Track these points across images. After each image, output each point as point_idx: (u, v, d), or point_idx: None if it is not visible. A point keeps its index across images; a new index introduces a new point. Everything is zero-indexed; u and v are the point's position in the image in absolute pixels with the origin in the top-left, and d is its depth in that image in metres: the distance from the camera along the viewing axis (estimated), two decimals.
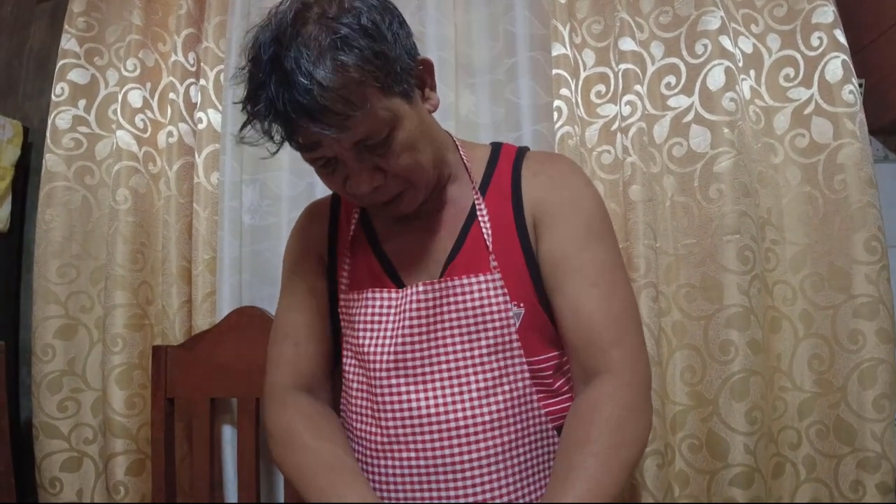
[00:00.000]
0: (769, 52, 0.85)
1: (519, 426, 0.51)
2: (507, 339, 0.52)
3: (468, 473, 0.50)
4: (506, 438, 0.51)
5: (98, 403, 0.90)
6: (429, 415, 0.51)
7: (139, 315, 0.89)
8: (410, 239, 0.57)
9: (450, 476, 0.50)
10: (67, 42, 0.93)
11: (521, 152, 0.59)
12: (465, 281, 0.53)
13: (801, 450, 0.81)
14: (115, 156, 0.90)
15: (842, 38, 0.82)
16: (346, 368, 0.57)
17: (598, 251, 0.53)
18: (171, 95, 0.91)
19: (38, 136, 1.03)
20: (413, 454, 0.51)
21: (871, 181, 0.79)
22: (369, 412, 0.54)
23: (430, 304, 0.53)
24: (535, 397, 0.53)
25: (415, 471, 0.51)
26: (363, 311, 0.55)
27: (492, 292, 0.52)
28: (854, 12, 0.89)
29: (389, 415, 0.52)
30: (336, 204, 0.63)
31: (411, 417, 0.51)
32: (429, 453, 0.51)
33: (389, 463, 0.52)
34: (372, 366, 0.53)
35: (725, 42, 0.81)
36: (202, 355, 0.82)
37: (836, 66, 0.81)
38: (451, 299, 0.53)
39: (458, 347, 0.52)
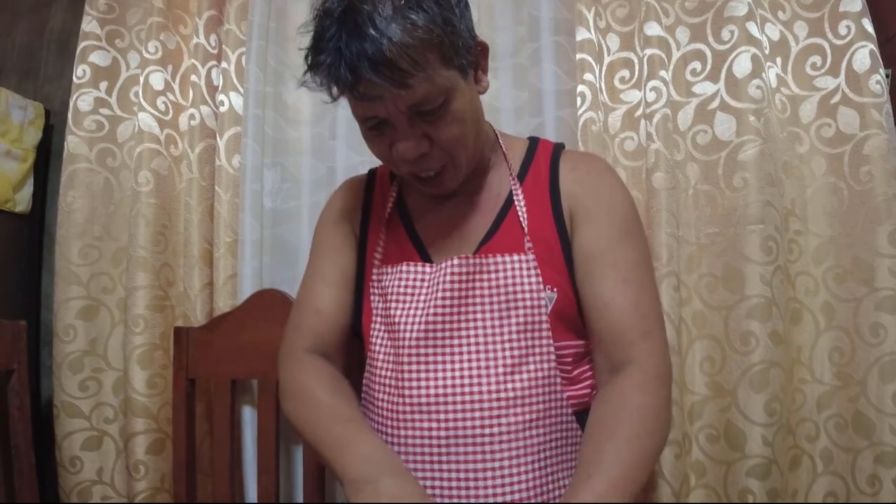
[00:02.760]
0: (796, 39, 0.84)
1: (541, 405, 0.52)
2: (536, 319, 0.53)
3: (487, 448, 0.50)
4: (527, 416, 0.51)
5: (119, 383, 0.91)
6: (453, 385, 0.52)
7: (161, 297, 0.90)
8: (444, 219, 0.59)
9: (469, 449, 0.50)
10: (89, 24, 0.93)
11: (559, 147, 0.61)
12: (500, 259, 0.54)
13: (818, 442, 0.81)
14: (136, 138, 0.91)
15: (869, 28, 0.80)
16: (374, 340, 0.57)
17: (631, 249, 0.55)
18: (193, 78, 0.91)
19: (59, 118, 1.04)
20: (435, 424, 0.51)
21: None
22: (393, 382, 0.54)
23: (464, 278, 0.54)
24: (558, 379, 0.53)
25: (434, 441, 0.51)
26: (396, 283, 0.56)
27: (525, 272, 0.54)
28: (881, 1, 0.88)
29: (414, 384, 0.53)
30: (371, 182, 0.64)
31: (436, 388, 0.52)
32: (450, 424, 0.51)
33: (410, 433, 0.52)
34: (401, 335, 0.54)
35: (752, 28, 0.80)
36: (223, 337, 0.83)
37: (864, 55, 0.79)
38: (485, 276, 0.54)
39: (488, 323, 0.53)
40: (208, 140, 0.91)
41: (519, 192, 0.57)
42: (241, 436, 0.86)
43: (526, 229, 0.55)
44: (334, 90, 0.48)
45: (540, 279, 0.54)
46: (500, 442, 0.51)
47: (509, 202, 0.57)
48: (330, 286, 0.60)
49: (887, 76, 0.87)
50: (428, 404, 0.52)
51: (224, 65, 0.89)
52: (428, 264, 0.56)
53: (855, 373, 0.78)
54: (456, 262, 0.54)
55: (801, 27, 0.84)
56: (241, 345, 0.82)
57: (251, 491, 0.85)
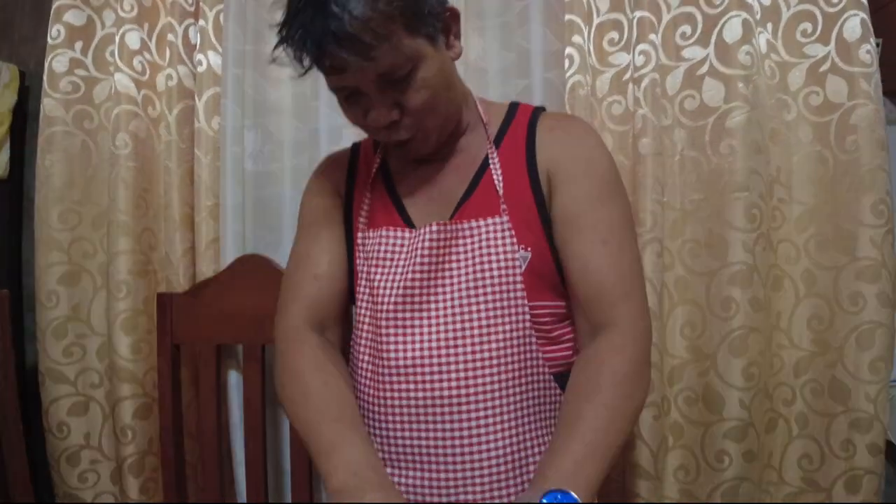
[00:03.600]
0: (787, 5, 0.82)
1: (516, 365, 0.53)
2: (510, 279, 0.54)
3: (464, 408, 0.51)
4: (502, 376, 0.52)
5: (104, 349, 0.91)
6: (430, 348, 0.53)
7: (143, 261, 0.89)
8: (423, 182, 0.59)
9: (447, 409, 0.52)
10: None
11: (538, 110, 0.61)
12: (475, 224, 0.55)
13: (794, 406, 0.83)
14: (113, 99, 0.88)
15: None
16: (359, 304, 0.58)
17: (610, 210, 0.55)
18: (170, 37, 0.88)
19: (35, 80, 1.01)
20: (413, 386, 0.52)
21: (882, 144, 0.78)
22: (374, 345, 0.55)
23: (441, 243, 0.55)
24: (533, 339, 0.54)
25: (413, 402, 0.52)
26: (378, 247, 0.57)
27: (499, 234, 0.54)
28: None
29: (392, 347, 0.54)
30: (355, 152, 0.65)
31: (413, 351, 0.53)
32: (427, 386, 0.52)
33: (389, 395, 0.53)
34: (380, 299, 0.55)
35: None
36: (207, 302, 0.83)
37: (855, 24, 0.78)
38: (461, 241, 0.55)
39: (464, 286, 0.54)
40: (186, 101, 0.89)
41: (495, 155, 0.58)
42: (227, 400, 0.87)
43: (500, 191, 0.56)
44: (305, 62, 0.50)
45: (514, 240, 0.54)
46: (477, 402, 0.52)
47: (485, 165, 0.58)
48: (327, 252, 0.60)
49: (878, 45, 0.86)
50: (405, 367, 0.53)
51: (202, 23, 0.86)
52: (407, 229, 0.57)
53: (833, 340, 0.80)
54: (434, 228, 0.54)
55: None
56: (225, 310, 0.82)
57: (238, 454, 0.86)
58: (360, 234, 0.59)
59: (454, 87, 0.56)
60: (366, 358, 0.56)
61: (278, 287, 0.80)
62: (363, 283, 0.58)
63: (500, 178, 0.56)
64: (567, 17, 0.80)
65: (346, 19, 0.45)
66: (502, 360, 0.52)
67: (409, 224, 0.57)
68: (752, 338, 0.78)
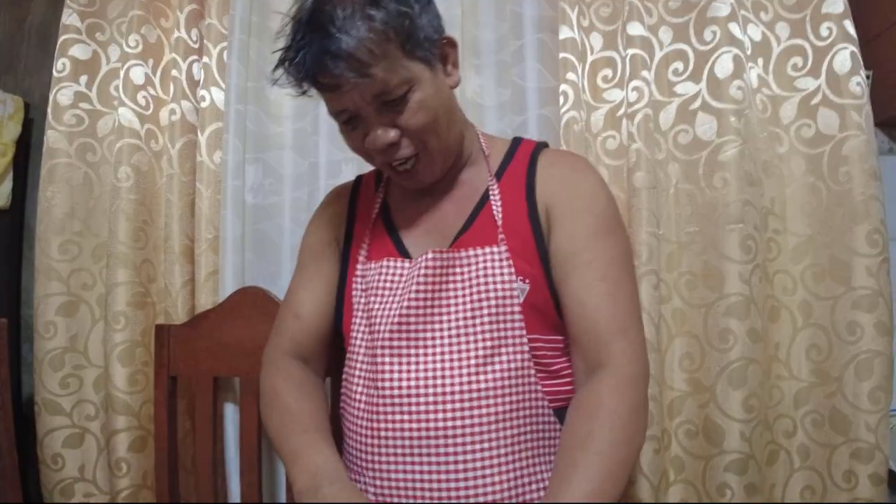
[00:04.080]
0: (778, 40, 0.84)
1: (514, 398, 0.52)
2: (508, 309, 0.53)
3: (459, 441, 0.50)
4: (499, 409, 0.51)
5: (100, 380, 0.90)
6: (425, 379, 0.52)
7: (141, 293, 0.89)
8: (422, 215, 0.60)
9: (440, 443, 0.51)
10: (69, 17, 0.92)
11: (540, 146, 0.62)
12: (472, 252, 0.55)
13: (795, 438, 0.82)
14: (116, 133, 0.90)
15: (851, 30, 0.81)
16: (354, 334, 0.58)
17: (608, 247, 0.54)
18: (174, 72, 0.90)
19: (39, 112, 1.02)
20: (407, 418, 0.52)
21: (875, 174, 0.79)
22: (370, 375, 0.55)
23: (439, 271, 0.55)
24: (533, 371, 0.53)
25: (406, 435, 0.51)
26: (377, 277, 0.58)
27: (497, 264, 0.54)
28: (863, 3, 0.88)
29: (387, 376, 0.53)
30: (357, 186, 0.67)
31: (408, 381, 0.52)
32: (422, 417, 0.51)
33: (383, 426, 0.52)
34: (377, 328, 0.55)
35: (734, 29, 0.80)
36: (205, 334, 0.83)
37: (845, 57, 0.80)
38: (458, 269, 0.55)
39: (461, 315, 0.54)
40: (189, 135, 0.90)
41: (495, 187, 0.58)
42: (223, 433, 0.86)
43: (499, 223, 0.56)
44: (304, 85, 0.51)
45: (512, 270, 0.54)
46: (472, 435, 0.50)
47: (486, 198, 0.58)
48: (311, 292, 0.62)
49: (868, 77, 0.88)
50: (401, 397, 0.52)
51: (205, 59, 0.88)
52: (407, 259, 0.57)
53: (832, 370, 0.80)
54: (431, 255, 0.54)
55: (783, 28, 0.84)
56: (222, 342, 0.82)
57: (234, 488, 0.85)
58: (359, 267, 0.59)
59: (454, 114, 0.57)
60: (360, 388, 0.56)
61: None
62: (360, 314, 0.58)
63: (500, 210, 0.56)
64: (561, 55, 0.82)
65: (343, 39, 0.47)
66: (500, 393, 0.51)
67: (406, 255, 0.58)
68: (751, 369, 0.78)
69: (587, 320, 0.52)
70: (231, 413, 0.86)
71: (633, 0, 0.82)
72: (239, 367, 0.82)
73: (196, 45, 0.91)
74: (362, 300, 0.58)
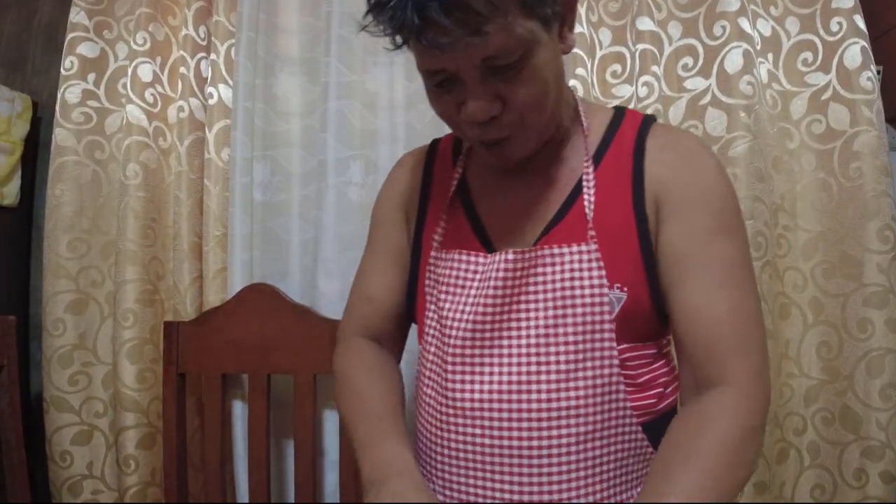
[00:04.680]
0: (788, 35, 0.84)
1: (598, 416, 0.46)
2: (597, 319, 0.47)
3: (535, 461, 0.46)
4: (582, 429, 0.46)
5: (109, 378, 0.91)
6: (500, 392, 0.47)
7: (150, 290, 0.90)
8: (508, 201, 0.52)
9: (515, 461, 0.46)
10: (76, 15, 0.92)
11: (648, 121, 0.52)
12: (557, 251, 0.48)
13: (805, 436, 0.82)
14: (124, 130, 0.90)
15: (861, 24, 0.80)
16: (427, 331, 0.53)
17: (728, 247, 0.47)
18: (182, 70, 0.90)
19: (47, 110, 1.02)
20: (479, 431, 0.47)
21: (886, 170, 0.79)
22: (439, 380, 0.50)
23: (518, 273, 0.48)
24: (622, 387, 0.47)
25: (478, 449, 0.47)
26: (448, 272, 0.51)
27: (585, 265, 0.47)
28: None
29: (458, 386, 0.48)
30: (432, 156, 0.59)
31: (481, 392, 0.47)
32: (495, 433, 0.46)
33: (453, 437, 0.48)
34: (448, 332, 0.50)
35: (744, 24, 0.80)
36: (213, 331, 0.83)
37: (855, 52, 0.80)
38: (540, 269, 0.48)
39: (542, 322, 0.47)
40: (197, 133, 0.90)
41: (591, 174, 0.49)
42: (231, 430, 0.86)
43: (590, 218, 0.48)
44: (398, 37, 0.42)
45: (603, 273, 0.47)
46: (550, 456, 0.46)
47: (581, 186, 0.50)
48: (382, 273, 0.57)
49: (878, 73, 0.87)
50: (472, 409, 0.47)
51: (213, 56, 0.88)
52: (480, 254, 0.50)
53: (842, 367, 0.79)
54: (511, 256, 0.48)
55: (793, 23, 0.84)
56: (231, 339, 0.82)
57: (242, 486, 0.85)
58: (432, 254, 0.53)
59: (562, 85, 0.49)
60: (430, 392, 0.51)
61: (285, 317, 0.81)
62: (431, 308, 0.52)
63: (592, 202, 0.48)
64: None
65: None
66: (581, 412, 0.46)
67: (488, 246, 0.51)
68: None
69: (704, 334, 0.45)
70: (240, 410, 0.86)
71: None
72: (247, 364, 0.82)
73: (204, 43, 0.91)
74: (433, 293, 0.52)
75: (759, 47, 0.82)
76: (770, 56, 0.84)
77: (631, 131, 0.51)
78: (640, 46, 0.81)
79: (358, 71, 0.87)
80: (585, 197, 0.49)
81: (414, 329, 0.59)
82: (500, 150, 0.47)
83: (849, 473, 0.79)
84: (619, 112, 0.54)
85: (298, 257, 0.89)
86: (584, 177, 0.50)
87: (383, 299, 0.57)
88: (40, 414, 0.91)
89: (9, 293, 1.01)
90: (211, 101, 0.88)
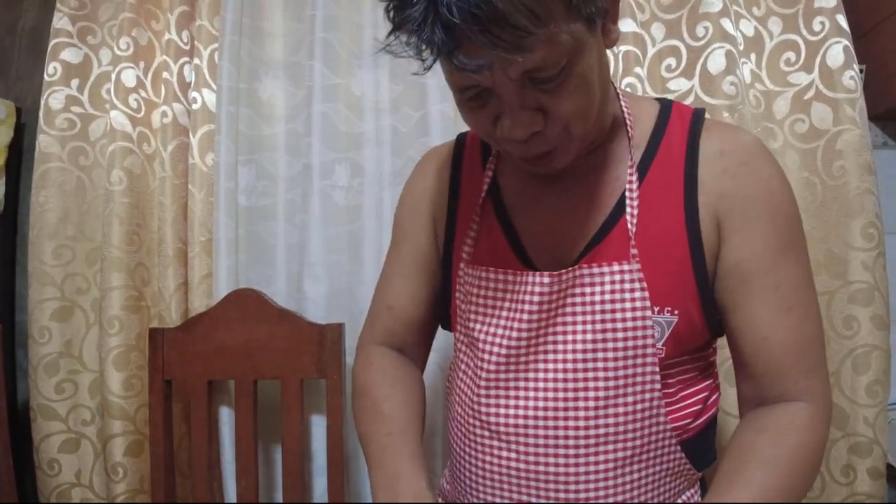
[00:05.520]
0: (770, 35, 0.84)
1: (639, 441, 0.45)
2: (639, 342, 0.44)
3: (572, 487, 0.44)
4: (620, 454, 0.44)
5: (95, 385, 0.90)
6: (535, 417, 0.45)
7: (135, 297, 0.89)
8: (547, 215, 0.48)
9: (551, 486, 0.45)
10: (60, 20, 0.91)
11: (699, 117, 0.47)
12: (597, 270, 0.44)
13: None
14: (108, 136, 0.89)
15: (844, 24, 0.81)
16: (458, 346, 0.52)
17: (796, 266, 0.45)
18: (165, 75, 0.89)
19: (31, 116, 1.02)
20: (514, 455, 0.46)
21: (869, 168, 0.79)
22: (471, 400, 0.48)
23: (555, 294, 0.45)
24: (662, 410, 0.45)
25: (513, 472, 0.46)
26: (477, 290, 0.48)
27: (627, 285, 0.44)
28: None
29: (493, 410, 0.46)
30: (459, 153, 0.54)
31: (516, 416, 0.45)
32: (531, 458, 0.45)
33: (487, 458, 0.47)
34: (480, 355, 0.47)
35: (727, 25, 0.80)
36: (199, 337, 0.82)
37: (838, 51, 0.80)
38: (579, 290, 0.45)
39: (580, 347, 0.45)
40: (181, 138, 0.90)
41: (634, 187, 0.45)
42: (219, 437, 0.86)
43: (632, 234, 0.44)
44: (427, 57, 0.37)
45: (646, 294, 0.44)
46: (587, 482, 0.44)
47: (625, 197, 0.46)
48: (405, 280, 0.55)
49: (861, 71, 0.88)
50: (507, 433, 0.46)
51: (196, 61, 0.88)
52: (511, 272, 0.47)
53: (829, 364, 0.79)
54: (547, 280, 0.45)
55: (776, 23, 0.84)
56: (217, 345, 0.82)
57: (230, 492, 0.85)
58: (462, 267, 0.50)
59: (608, 87, 0.45)
60: (460, 410, 0.49)
61: (271, 322, 0.81)
62: (461, 328, 0.50)
63: (635, 217, 0.44)
64: None
65: None
66: (621, 437, 0.44)
67: (526, 262, 0.48)
68: None
69: (772, 358, 0.44)
70: (227, 416, 0.86)
71: None
72: (233, 371, 0.82)
73: (187, 47, 0.91)
74: (463, 308, 0.49)
75: (741, 48, 0.82)
76: (753, 56, 0.84)
77: (681, 131, 0.46)
78: (624, 48, 0.81)
79: (342, 74, 0.87)
80: (628, 212, 0.45)
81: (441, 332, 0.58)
82: (543, 163, 0.44)
83: (837, 470, 0.79)
84: (666, 106, 0.49)
85: (284, 261, 0.89)
86: (628, 189, 0.45)
87: (404, 308, 0.55)
88: (28, 422, 0.90)
89: None
90: (195, 106, 0.88)
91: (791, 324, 0.44)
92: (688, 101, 0.82)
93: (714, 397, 0.51)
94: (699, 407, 0.48)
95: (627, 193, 0.46)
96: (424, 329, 0.57)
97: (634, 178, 0.46)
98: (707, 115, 0.49)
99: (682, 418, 0.47)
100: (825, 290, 0.80)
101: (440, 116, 0.84)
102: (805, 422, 0.43)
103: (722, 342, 0.51)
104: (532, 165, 0.45)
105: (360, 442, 0.51)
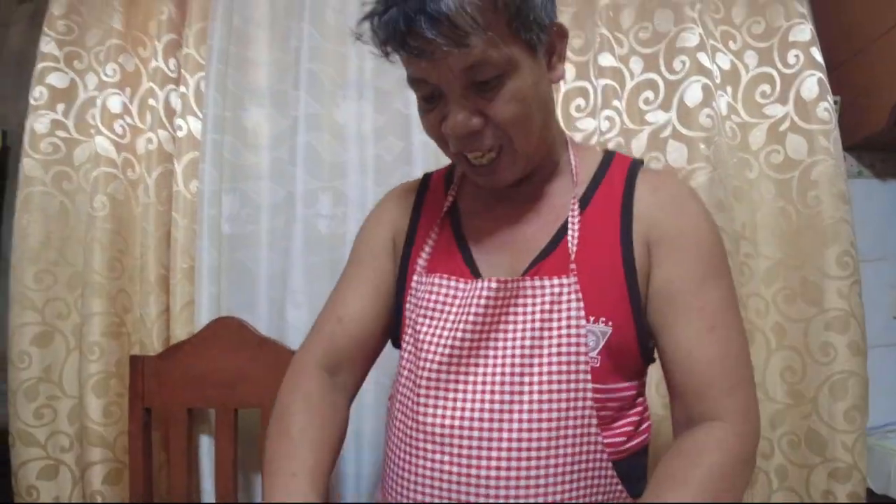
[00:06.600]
0: (746, 68, 0.87)
1: (570, 450, 0.47)
2: (573, 350, 0.47)
3: (502, 492, 0.46)
4: (553, 461, 0.46)
5: (75, 411, 0.89)
6: (471, 419, 0.47)
7: (116, 323, 0.89)
8: (498, 226, 0.53)
9: (482, 490, 0.46)
10: (47, 45, 0.92)
11: (637, 164, 0.55)
12: (539, 282, 0.49)
13: (773, 460, 0.83)
14: (93, 161, 0.89)
15: (818, 57, 0.83)
16: (403, 354, 0.53)
17: (718, 290, 0.49)
18: (151, 101, 0.90)
19: (15, 139, 1.02)
20: (447, 458, 0.47)
21: (844, 197, 0.81)
22: (411, 404, 0.50)
23: (500, 301, 0.49)
24: (594, 420, 0.47)
25: (446, 476, 0.47)
26: (428, 296, 0.52)
27: (564, 297, 0.48)
28: (830, 29, 0.91)
29: (430, 410, 0.48)
30: (425, 185, 0.61)
31: (452, 418, 0.47)
32: (464, 462, 0.46)
33: (421, 463, 0.48)
34: (423, 355, 0.50)
35: (703, 59, 0.82)
36: (180, 365, 0.82)
37: (812, 83, 0.82)
38: (521, 300, 0.49)
39: (518, 352, 0.48)
40: (166, 165, 0.90)
41: (576, 215, 0.51)
42: (198, 465, 0.85)
43: (573, 254, 0.49)
44: (387, 46, 0.45)
45: (581, 305, 0.48)
46: (518, 488, 0.46)
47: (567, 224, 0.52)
48: (359, 294, 0.56)
49: (836, 103, 0.90)
50: (442, 435, 0.47)
51: (183, 89, 0.89)
52: (462, 279, 0.51)
53: (806, 391, 0.81)
54: (494, 284, 0.49)
55: (752, 56, 0.87)
56: (197, 374, 0.81)
57: None
58: (415, 278, 0.54)
59: (549, 112, 0.51)
60: (400, 416, 0.51)
61: (253, 350, 0.81)
62: (409, 332, 0.53)
63: (576, 241, 0.50)
64: None
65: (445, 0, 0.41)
66: (554, 444, 0.46)
67: (475, 272, 0.52)
68: None
69: (696, 375, 0.47)
70: (206, 445, 0.85)
71: (603, 31, 0.84)
72: (214, 399, 0.81)
73: (174, 75, 0.92)
74: (412, 317, 0.52)
75: (718, 80, 0.84)
76: (729, 89, 0.86)
77: (620, 173, 0.53)
78: (603, 81, 0.83)
79: (327, 104, 0.88)
80: (570, 234, 0.50)
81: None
82: (487, 170, 0.49)
83: (817, 495, 0.80)
84: (609, 154, 0.56)
85: (266, 289, 0.89)
86: (571, 215, 0.51)
87: (354, 321, 0.56)
88: (6, 447, 0.89)
89: None
90: (180, 133, 0.88)
91: (714, 341, 0.47)
92: (665, 133, 0.84)
93: (645, 425, 0.53)
94: (631, 429, 0.51)
95: (570, 219, 0.51)
96: (368, 346, 0.57)
97: (576, 207, 0.52)
98: (644, 165, 0.56)
99: (615, 436, 0.50)
100: (802, 317, 0.81)
101: (423, 147, 0.85)
102: (719, 441, 0.45)
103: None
104: (479, 175, 0.50)
105: (264, 466, 0.50)
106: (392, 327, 0.57)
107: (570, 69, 0.87)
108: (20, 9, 1.08)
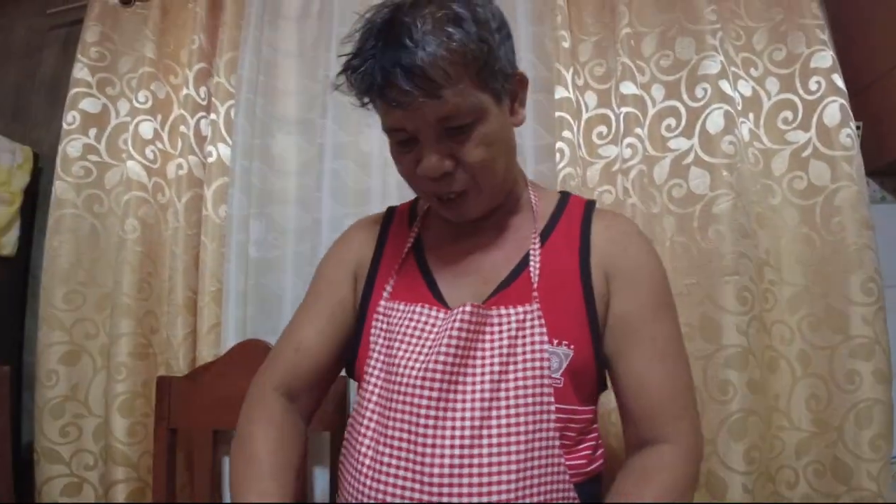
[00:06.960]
0: (768, 95, 0.87)
1: (536, 472, 0.49)
2: (538, 373, 0.50)
3: None
4: (521, 483, 0.48)
5: (100, 430, 0.90)
6: (442, 446, 0.48)
7: (143, 344, 0.90)
8: (461, 257, 0.57)
9: None
10: (80, 71, 0.95)
11: (592, 204, 0.59)
12: (504, 311, 0.52)
13: (798, 489, 0.81)
14: (124, 185, 0.92)
15: (840, 83, 0.84)
16: (368, 379, 0.54)
17: (667, 323, 0.54)
18: (182, 128, 0.92)
19: (48, 161, 1.05)
20: (417, 486, 0.48)
21: (867, 223, 0.81)
22: (380, 429, 0.51)
23: (472, 327, 0.51)
24: (557, 443, 0.50)
25: (416, 497, 0.48)
26: (406, 322, 0.54)
27: (528, 323, 0.51)
28: (852, 54, 0.91)
29: (398, 434, 0.50)
30: (389, 218, 0.63)
31: (423, 445, 0.48)
32: (434, 489, 0.47)
33: (391, 490, 0.49)
34: (398, 378, 0.51)
35: (725, 86, 0.83)
36: (206, 387, 0.83)
37: (834, 109, 0.82)
38: (488, 329, 0.52)
39: (487, 378, 0.50)
40: (195, 189, 0.92)
41: (537, 247, 0.55)
42: (221, 487, 0.86)
43: (535, 283, 0.53)
44: (365, 97, 0.49)
45: (544, 330, 0.51)
46: None
47: (529, 255, 0.55)
48: (316, 325, 0.58)
49: (858, 128, 0.90)
50: (408, 460, 0.49)
51: (213, 116, 0.91)
52: (442, 308, 0.53)
53: (832, 419, 0.80)
54: (469, 309, 0.51)
55: (773, 83, 0.87)
56: (223, 395, 0.82)
57: None
58: (381, 304, 0.56)
59: (512, 154, 0.55)
60: (367, 441, 0.51)
61: None
62: (377, 356, 0.54)
63: (537, 271, 0.53)
64: (557, 114, 0.84)
65: (418, 54, 0.44)
66: (521, 467, 0.48)
67: (440, 300, 0.54)
68: (752, 420, 0.78)
69: (646, 400, 0.51)
70: (230, 467, 0.86)
71: (625, 60, 0.85)
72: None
73: (204, 102, 0.94)
74: (381, 342, 0.54)
75: (740, 107, 0.85)
76: (751, 115, 0.87)
77: (577, 211, 0.58)
78: (625, 109, 0.84)
79: (352, 132, 0.90)
80: (531, 265, 0.54)
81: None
82: (456, 205, 0.53)
83: None
84: (566, 194, 0.61)
85: (291, 313, 0.89)
86: (532, 248, 0.55)
87: (311, 351, 0.57)
88: (31, 465, 0.91)
89: (3, 342, 1.01)
90: (210, 159, 0.90)
91: (663, 370, 0.52)
92: (687, 160, 0.84)
93: (600, 451, 0.57)
94: (589, 453, 0.54)
95: (531, 251, 0.55)
96: (326, 374, 0.59)
97: (537, 241, 0.56)
98: (596, 206, 0.60)
99: (577, 458, 0.53)
100: (826, 344, 0.80)
101: None
102: (668, 462, 0.50)
103: None
104: (448, 209, 0.54)
105: (232, 490, 0.52)
106: (347, 356, 0.58)
107: (591, 97, 0.88)
108: (52, 33, 1.12)
